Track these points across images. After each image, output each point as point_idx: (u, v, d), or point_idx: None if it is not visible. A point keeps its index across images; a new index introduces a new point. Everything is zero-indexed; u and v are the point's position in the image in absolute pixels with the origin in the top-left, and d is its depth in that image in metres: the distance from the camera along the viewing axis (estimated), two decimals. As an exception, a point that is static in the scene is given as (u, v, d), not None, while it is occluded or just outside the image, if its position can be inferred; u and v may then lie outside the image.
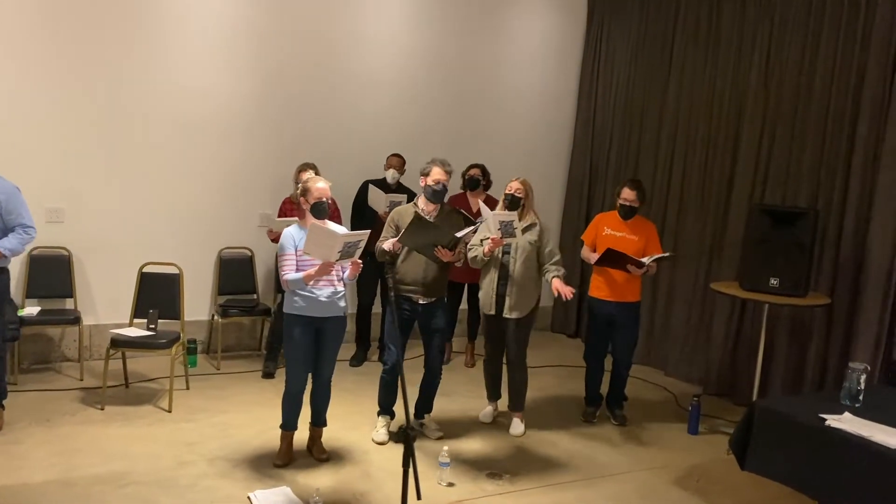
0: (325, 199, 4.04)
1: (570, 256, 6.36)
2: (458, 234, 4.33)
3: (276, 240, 5.41)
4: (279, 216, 5.59)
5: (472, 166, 6.10)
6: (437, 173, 4.45)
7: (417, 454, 4.36)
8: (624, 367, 5.24)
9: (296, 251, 4.00)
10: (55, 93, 5.43)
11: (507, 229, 4.52)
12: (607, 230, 5.09)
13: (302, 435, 4.31)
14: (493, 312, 4.74)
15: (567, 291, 4.51)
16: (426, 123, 6.78)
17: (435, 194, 4.46)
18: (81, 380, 5.31)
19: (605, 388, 5.31)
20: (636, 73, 6.96)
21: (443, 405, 5.20)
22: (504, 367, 4.97)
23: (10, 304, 5.20)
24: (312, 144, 6.21)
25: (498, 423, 5.01)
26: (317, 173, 5.44)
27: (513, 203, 4.67)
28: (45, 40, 5.37)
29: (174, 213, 5.91)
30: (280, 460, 4.17)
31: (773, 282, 4.73)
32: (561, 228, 7.62)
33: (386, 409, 4.66)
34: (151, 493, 3.74)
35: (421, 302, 4.49)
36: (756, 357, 4.96)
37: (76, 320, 5.44)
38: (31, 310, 5.36)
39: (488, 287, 4.74)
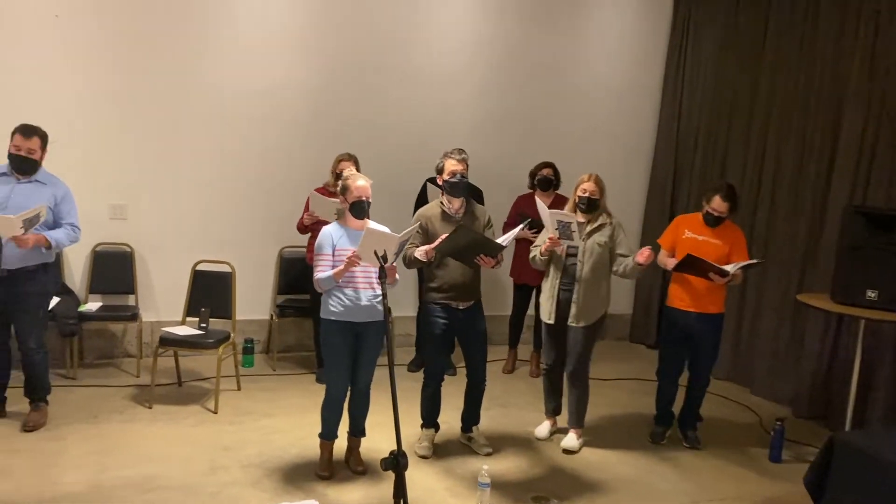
0: (364, 198, 3.82)
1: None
2: (501, 241, 4.00)
3: (302, 229, 5.26)
4: (305, 211, 5.31)
5: (543, 165, 5.75)
6: (451, 165, 4.15)
7: (458, 471, 4.17)
8: (701, 384, 4.76)
9: (333, 252, 3.79)
10: (120, 93, 5.48)
11: (564, 231, 4.16)
12: (688, 233, 4.63)
13: (342, 443, 4.11)
14: (551, 321, 4.38)
15: (644, 254, 4.16)
16: (493, 119, 6.48)
17: (454, 188, 4.14)
18: (137, 377, 5.32)
19: (678, 407, 4.85)
20: (725, 66, 6.42)
21: (497, 417, 4.91)
22: (561, 380, 4.62)
23: (70, 299, 5.30)
24: (374, 141, 6.03)
25: (555, 441, 4.65)
26: (357, 166, 5.24)
27: (590, 206, 4.30)
28: (109, 41, 5.42)
29: (235, 211, 5.87)
30: (324, 471, 3.98)
31: (871, 294, 4.16)
32: (642, 231, 7.13)
33: (429, 421, 4.39)
34: (174, 501, 3.61)
35: (460, 307, 4.19)
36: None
37: (134, 317, 5.47)
38: (91, 305, 5.43)
39: (549, 292, 4.41)
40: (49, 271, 4.46)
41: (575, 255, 4.31)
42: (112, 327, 5.69)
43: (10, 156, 4.19)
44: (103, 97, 5.46)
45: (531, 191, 5.77)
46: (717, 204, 4.50)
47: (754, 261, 4.59)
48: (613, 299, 4.59)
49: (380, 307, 3.86)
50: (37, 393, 4.46)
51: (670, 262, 4.56)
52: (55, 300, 4.98)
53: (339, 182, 4.00)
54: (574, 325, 4.34)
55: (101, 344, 5.67)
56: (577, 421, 4.58)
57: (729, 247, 4.53)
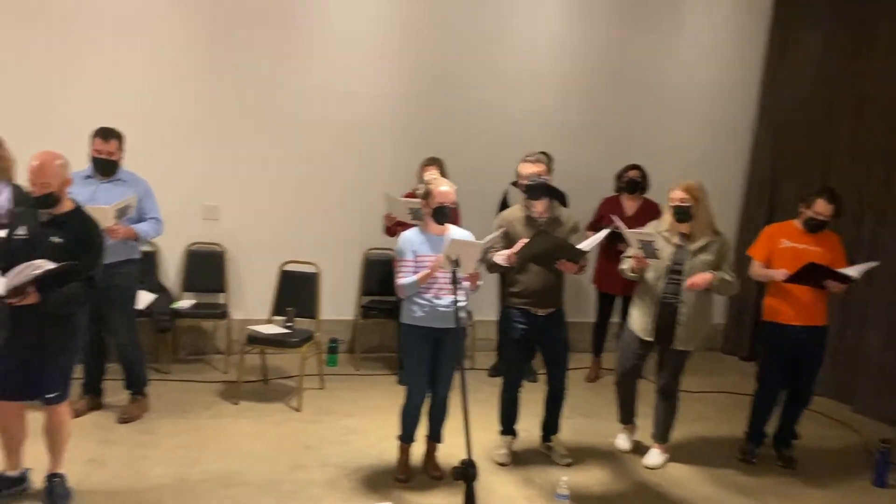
0: (447, 204, 3.79)
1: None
2: (583, 247, 3.89)
3: (391, 231, 5.28)
4: (387, 222, 5.35)
5: (630, 167, 5.59)
6: (526, 168, 4.04)
7: (537, 480, 4.09)
8: (803, 401, 4.51)
9: (415, 257, 3.78)
10: (214, 97, 5.68)
11: (647, 249, 3.98)
12: (786, 242, 4.37)
13: (421, 447, 4.11)
14: (650, 339, 4.22)
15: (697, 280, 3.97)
16: (579, 121, 6.34)
17: (532, 191, 4.04)
18: (226, 373, 5.49)
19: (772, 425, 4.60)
20: (829, 64, 6.07)
21: (578, 427, 4.80)
22: (636, 388, 4.49)
23: (164, 296, 5.51)
24: (458, 145, 6.01)
25: (638, 452, 4.50)
26: (442, 171, 5.23)
27: (681, 215, 4.07)
28: (202, 45, 5.62)
29: (321, 213, 5.99)
30: (401, 475, 3.98)
31: None
32: (738, 238, 6.81)
33: (507, 428, 4.33)
34: (253, 497, 3.69)
35: (540, 314, 4.10)
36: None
37: (224, 314, 5.64)
38: (185, 302, 5.63)
39: (645, 308, 4.20)
40: (135, 266, 4.65)
41: (679, 273, 4.09)
42: (203, 324, 5.89)
43: (93, 159, 4.39)
44: (199, 100, 5.66)
45: (617, 194, 5.62)
46: (822, 207, 4.23)
47: (873, 263, 4.31)
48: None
49: (461, 314, 3.82)
50: (135, 385, 4.66)
51: (778, 274, 4.27)
52: (151, 297, 5.20)
53: (420, 187, 3.99)
54: (681, 349, 4.16)
55: (193, 340, 5.88)
56: (663, 436, 4.41)
57: (831, 254, 4.27)
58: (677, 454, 4.47)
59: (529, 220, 4.06)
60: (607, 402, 5.26)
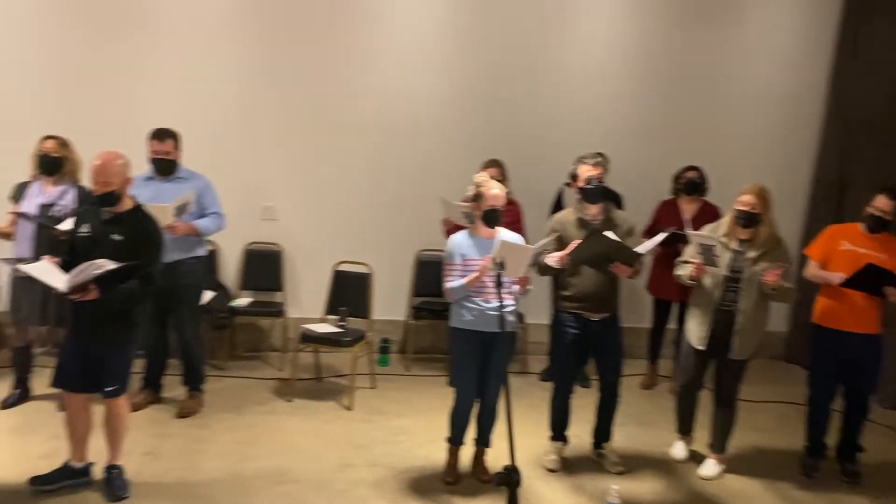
0: (499, 207, 3.75)
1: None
2: (640, 250, 3.81)
3: (450, 235, 5.26)
4: (445, 226, 5.34)
5: (688, 168, 5.46)
6: (585, 171, 3.96)
7: (587, 487, 4.02)
8: (861, 412, 4.32)
9: (463, 261, 3.76)
10: (274, 99, 5.79)
11: (707, 255, 3.85)
12: (846, 244, 4.19)
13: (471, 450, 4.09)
14: (703, 347, 4.10)
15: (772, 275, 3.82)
16: (637, 121, 6.20)
17: (590, 195, 3.96)
18: (281, 370, 5.57)
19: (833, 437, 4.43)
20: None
21: (632, 435, 4.70)
22: (696, 399, 4.37)
23: (223, 294, 5.63)
24: (513, 145, 5.95)
25: (691, 463, 4.38)
26: (503, 173, 5.20)
27: (749, 221, 3.92)
28: (264, 49, 5.73)
29: (375, 214, 6.02)
30: (449, 478, 3.97)
31: None
32: (802, 244, 6.55)
33: (558, 433, 4.27)
34: (303, 494, 3.74)
35: (593, 319, 4.03)
36: None
37: (280, 313, 5.73)
38: (242, 300, 5.75)
39: (701, 317, 4.07)
40: (202, 264, 4.77)
41: (737, 281, 3.96)
42: (260, 322, 6.00)
43: (152, 160, 4.52)
44: (260, 103, 5.77)
45: (674, 196, 5.49)
46: (882, 203, 4.06)
47: None
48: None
49: (510, 317, 3.80)
50: (193, 381, 4.78)
51: (834, 277, 4.11)
52: (210, 294, 5.32)
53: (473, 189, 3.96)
54: (735, 358, 4.04)
55: (249, 337, 6.00)
56: (720, 446, 4.29)
57: (893, 261, 4.07)
58: (735, 465, 4.34)
59: (583, 223, 3.99)
60: (663, 410, 5.15)
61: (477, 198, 3.77)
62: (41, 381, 4.51)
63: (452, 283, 3.75)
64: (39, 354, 4.88)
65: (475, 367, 3.83)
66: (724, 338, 4.01)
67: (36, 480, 3.57)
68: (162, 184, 4.54)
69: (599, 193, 3.97)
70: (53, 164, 4.41)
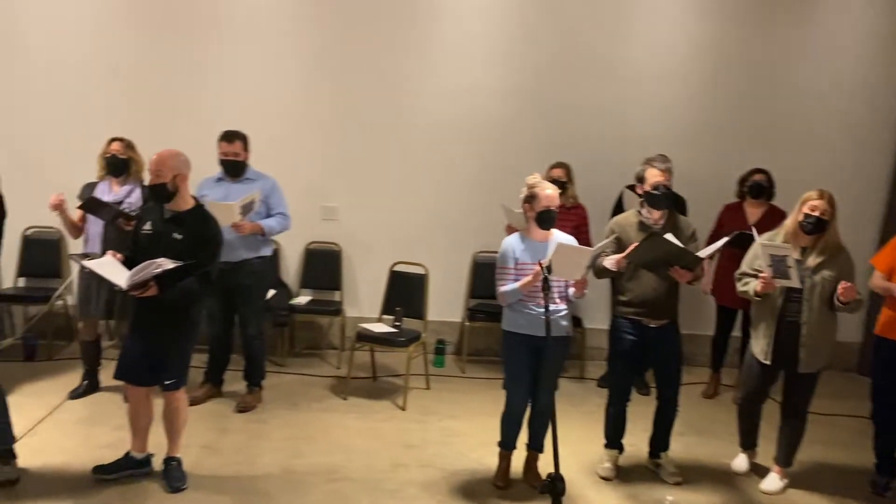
0: (553, 208, 3.70)
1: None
2: (702, 254, 3.69)
3: None
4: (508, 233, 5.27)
5: (755, 171, 5.28)
6: (654, 176, 3.84)
7: (642, 497, 3.93)
8: None
9: (516, 264, 3.72)
10: (335, 101, 5.87)
11: (778, 267, 3.66)
12: None
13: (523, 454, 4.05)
14: (768, 361, 3.93)
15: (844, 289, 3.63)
16: (700, 122, 6.04)
17: (656, 201, 3.85)
18: (338, 368, 5.64)
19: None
20: None
21: (691, 445, 4.57)
22: (759, 413, 4.21)
23: (283, 292, 5.74)
24: (575, 144, 5.89)
25: (753, 476, 4.23)
26: (569, 175, 5.15)
27: (816, 227, 3.74)
28: (325, 50, 5.81)
29: (432, 215, 6.04)
30: (500, 482, 3.94)
31: None
32: (877, 251, 6.26)
33: (613, 441, 4.18)
34: (354, 492, 3.76)
35: (651, 325, 3.92)
36: None
37: (338, 312, 5.80)
38: (302, 299, 5.84)
39: (766, 329, 3.90)
40: (267, 264, 4.86)
41: (799, 291, 3.78)
42: (319, 320, 6.09)
43: (221, 161, 4.63)
44: (321, 105, 5.86)
45: (739, 200, 5.31)
46: None
47: None
48: (840, 326, 4.04)
49: (562, 322, 3.74)
50: (253, 377, 4.87)
51: None
52: (272, 292, 5.43)
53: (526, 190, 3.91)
54: (803, 371, 3.87)
55: (308, 335, 6.09)
56: (785, 459, 4.12)
57: None
58: (799, 480, 4.17)
59: (643, 227, 3.89)
60: (725, 421, 4.99)
61: (530, 199, 3.71)
62: (108, 373, 4.67)
63: (505, 286, 3.71)
64: (108, 347, 5.06)
65: (527, 371, 3.78)
66: (791, 350, 3.85)
67: (98, 469, 3.70)
68: (231, 185, 4.66)
69: (666, 200, 3.86)
70: (121, 165, 4.58)
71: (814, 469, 4.38)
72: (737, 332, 5.45)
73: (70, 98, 5.69)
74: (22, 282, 5.73)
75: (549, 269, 3.30)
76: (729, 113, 6.05)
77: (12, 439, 3.67)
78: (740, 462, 4.33)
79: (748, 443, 4.32)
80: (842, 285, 3.64)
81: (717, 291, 5.41)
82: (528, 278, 3.60)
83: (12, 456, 3.66)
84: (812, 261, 3.78)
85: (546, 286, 3.28)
